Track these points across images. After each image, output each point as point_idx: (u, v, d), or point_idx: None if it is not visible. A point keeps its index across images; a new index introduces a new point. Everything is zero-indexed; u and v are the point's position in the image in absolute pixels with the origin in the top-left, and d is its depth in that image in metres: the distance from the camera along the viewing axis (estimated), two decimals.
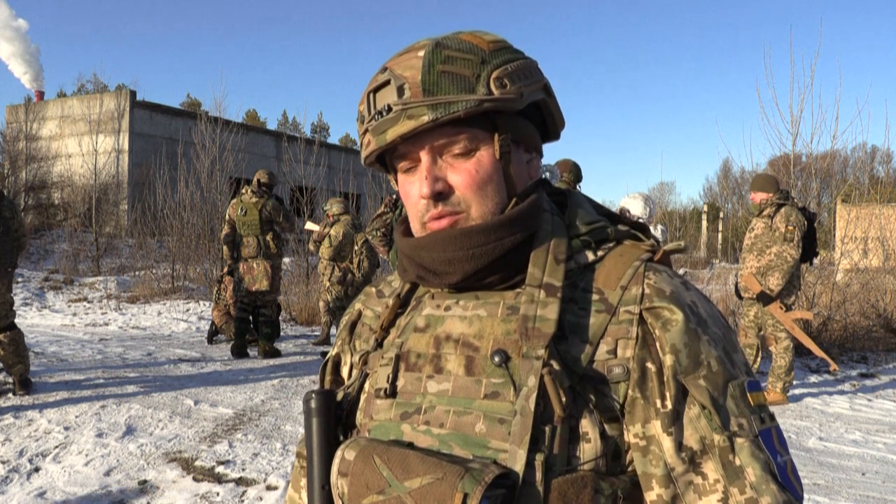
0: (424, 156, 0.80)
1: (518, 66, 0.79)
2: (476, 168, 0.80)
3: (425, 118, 0.76)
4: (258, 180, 7.14)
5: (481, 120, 0.79)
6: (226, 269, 7.67)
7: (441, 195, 0.80)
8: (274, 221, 7.07)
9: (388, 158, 0.86)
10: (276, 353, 7.15)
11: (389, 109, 0.78)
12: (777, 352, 5.44)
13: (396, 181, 0.88)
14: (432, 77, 0.76)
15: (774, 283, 5.31)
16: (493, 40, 0.81)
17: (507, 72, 0.78)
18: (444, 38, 0.80)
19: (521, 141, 0.84)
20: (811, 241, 5.55)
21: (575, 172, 5.31)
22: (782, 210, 5.41)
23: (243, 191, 7.13)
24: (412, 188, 0.83)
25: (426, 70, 0.77)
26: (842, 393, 5.89)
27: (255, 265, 7.02)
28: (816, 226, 5.90)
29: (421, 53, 0.78)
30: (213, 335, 7.94)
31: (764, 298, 5.38)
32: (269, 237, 7.04)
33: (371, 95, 0.81)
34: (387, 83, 0.79)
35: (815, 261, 6.80)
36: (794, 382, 6.12)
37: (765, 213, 5.52)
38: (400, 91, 0.77)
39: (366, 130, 0.82)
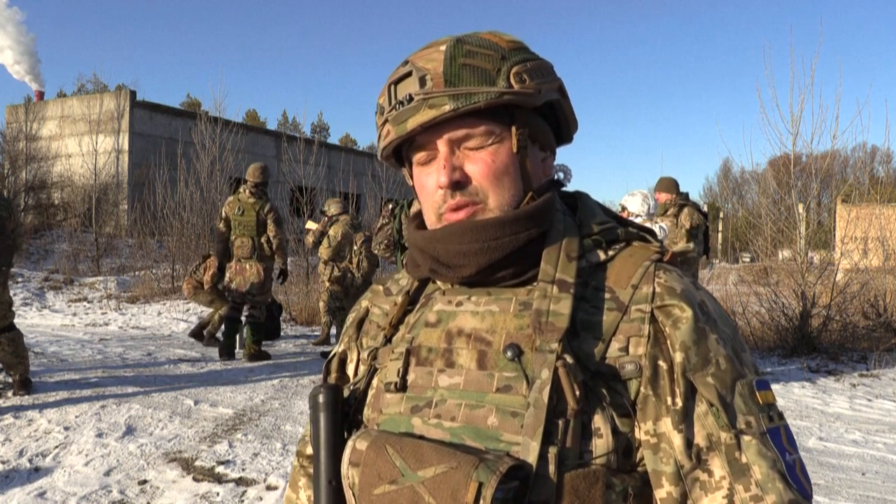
0: (442, 146, 0.81)
1: (536, 64, 0.81)
2: (493, 158, 0.81)
3: (446, 107, 0.77)
4: (255, 182, 6.91)
5: (500, 113, 0.80)
6: (208, 261, 7.62)
7: (459, 184, 0.80)
8: (266, 226, 6.91)
9: (405, 150, 0.87)
10: (264, 357, 6.90)
11: (411, 99, 0.79)
12: None
13: (411, 176, 0.88)
14: (454, 69, 0.77)
15: None
16: (511, 40, 0.82)
17: (526, 68, 0.79)
18: (465, 35, 0.82)
19: (536, 138, 0.85)
20: (706, 237, 6.25)
21: None
22: (685, 210, 5.96)
23: (241, 189, 6.96)
24: (429, 179, 0.84)
25: (448, 62, 0.78)
26: (842, 393, 5.89)
27: (247, 266, 6.86)
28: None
29: (442, 48, 0.79)
30: (210, 336, 7.91)
31: None
32: (263, 239, 6.89)
33: (392, 87, 0.82)
34: (408, 74, 0.80)
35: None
36: (794, 382, 6.13)
37: (669, 212, 6.05)
38: (422, 82, 0.78)
39: (385, 121, 0.83)
